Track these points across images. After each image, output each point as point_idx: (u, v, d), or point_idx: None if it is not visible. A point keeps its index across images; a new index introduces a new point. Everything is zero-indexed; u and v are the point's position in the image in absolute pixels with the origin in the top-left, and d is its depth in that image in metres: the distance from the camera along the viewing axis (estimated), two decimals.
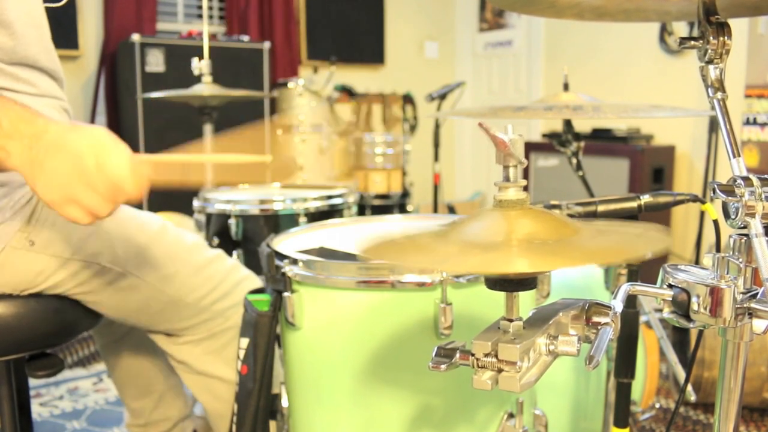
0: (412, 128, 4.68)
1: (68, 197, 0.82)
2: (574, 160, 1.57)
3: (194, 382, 1.25)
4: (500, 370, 0.57)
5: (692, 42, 0.68)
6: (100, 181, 0.82)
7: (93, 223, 0.85)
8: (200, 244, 1.24)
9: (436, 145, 3.07)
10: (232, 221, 1.75)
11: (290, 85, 3.63)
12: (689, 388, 1.70)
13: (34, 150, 0.81)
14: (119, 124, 3.49)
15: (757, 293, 0.62)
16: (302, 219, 1.77)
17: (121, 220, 1.13)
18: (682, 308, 0.63)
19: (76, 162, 0.81)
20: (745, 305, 0.61)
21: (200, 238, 1.28)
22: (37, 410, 2.01)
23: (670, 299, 0.64)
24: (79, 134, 0.84)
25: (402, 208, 4.00)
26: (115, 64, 3.49)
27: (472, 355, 0.59)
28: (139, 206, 1.17)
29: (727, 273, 0.61)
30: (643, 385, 1.42)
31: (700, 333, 0.84)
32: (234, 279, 1.23)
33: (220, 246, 1.78)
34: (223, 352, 1.23)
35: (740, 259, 0.62)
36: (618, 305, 0.61)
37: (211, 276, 1.20)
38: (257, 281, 1.26)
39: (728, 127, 0.65)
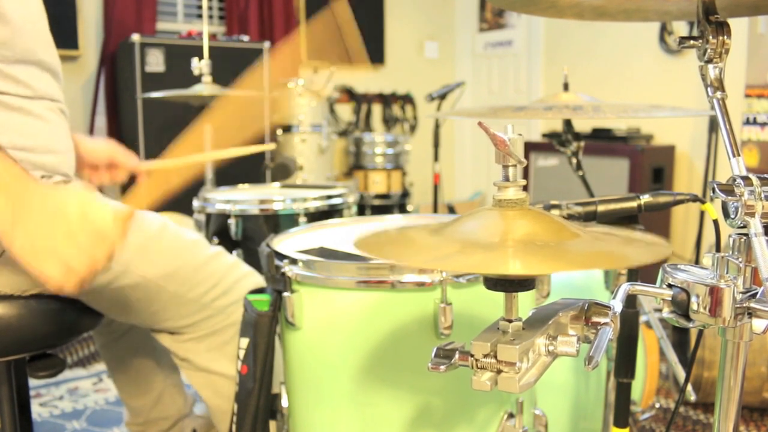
0: (412, 128, 4.69)
1: (46, 249, 0.80)
2: (574, 160, 1.57)
3: (197, 378, 1.26)
4: (499, 371, 0.57)
5: (692, 41, 0.68)
6: (83, 230, 0.81)
7: (64, 286, 0.83)
8: (200, 242, 1.24)
9: (436, 145, 3.07)
10: (231, 221, 1.75)
11: (290, 85, 3.63)
12: (689, 388, 1.70)
13: (17, 211, 0.81)
14: (119, 124, 3.50)
15: (757, 293, 0.62)
16: (302, 219, 1.77)
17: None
18: (682, 308, 0.63)
19: (59, 214, 0.81)
20: (744, 305, 0.61)
21: (200, 236, 1.28)
22: (37, 410, 2.01)
23: (670, 299, 0.64)
24: (64, 191, 0.84)
25: (402, 208, 4.00)
26: (115, 64, 3.49)
27: (472, 356, 0.59)
28: None
29: (727, 273, 0.61)
30: (643, 385, 1.42)
31: (700, 333, 0.84)
32: (235, 276, 1.23)
33: (220, 246, 1.79)
34: (225, 349, 1.23)
35: (740, 259, 0.62)
36: (618, 305, 0.61)
37: (212, 273, 1.20)
38: (258, 278, 1.27)
39: (728, 126, 0.65)
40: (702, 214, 3.22)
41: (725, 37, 0.67)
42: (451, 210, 3.94)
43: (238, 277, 1.24)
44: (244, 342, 1.07)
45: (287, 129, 3.66)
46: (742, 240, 0.62)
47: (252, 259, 1.77)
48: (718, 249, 0.71)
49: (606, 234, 0.64)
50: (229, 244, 1.78)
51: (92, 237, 0.82)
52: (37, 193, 0.82)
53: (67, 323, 1.11)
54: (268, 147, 1.02)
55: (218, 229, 1.81)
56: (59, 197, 0.82)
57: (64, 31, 3.40)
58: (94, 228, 0.82)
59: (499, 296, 0.61)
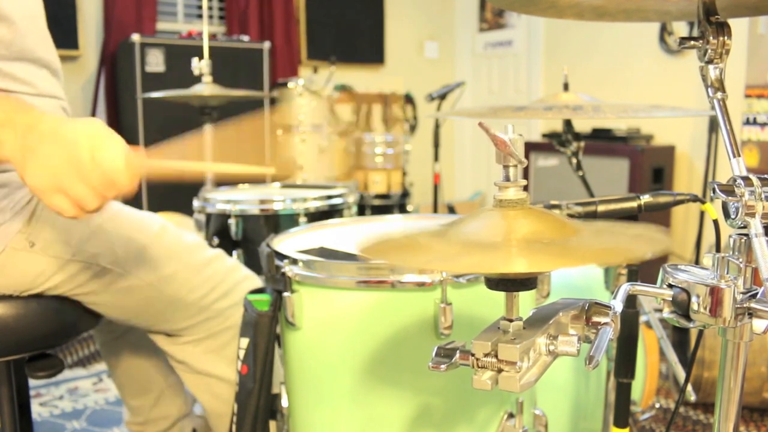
0: (412, 128, 4.69)
1: (57, 186, 0.80)
2: (574, 160, 1.57)
3: (194, 381, 1.25)
4: (500, 370, 0.57)
5: (692, 42, 0.68)
6: (94, 173, 0.80)
7: (77, 217, 0.83)
8: (200, 244, 1.24)
9: (436, 145, 3.07)
10: (232, 221, 1.75)
11: (290, 85, 3.63)
12: (689, 388, 1.70)
13: (28, 138, 0.80)
14: (119, 124, 3.50)
15: (757, 293, 0.62)
16: (302, 219, 1.77)
17: (120, 220, 1.13)
18: (682, 308, 0.63)
19: (71, 151, 0.80)
20: (744, 305, 0.61)
21: (200, 238, 1.28)
22: (37, 410, 2.01)
23: (670, 299, 0.64)
24: (76, 125, 0.83)
25: (402, 208, 4.00)
26: (115, 64, 3.49)
27: (472, 355, 0.59)
28: (138, 206, 1.17)
29: (727, 273, 0.61)
30: (643, 385, 1.42)
31: (700, 333, 0.84)
32: (234, 279, 1.23)
33: (220, 246, 1.78)
34: (222, 352, 1.23)
35: (740, 259, 0.62)
36: (618, 305, 0.61)
37: (211, 276, 1.20)
38: (257, 281, 1.26)
39: (728, 127, 0.65)
40: (702, 214, 3.21)
41: (726, 37, 0.67)
42: (451, 210, 3.94)
43: (238, 279, 1.24)
44: (244, 342, 1.07)
45: (287, 129, 3.66)
46: (743, 240, 0.62)
47: (252, 259, 1.77)
48: (718, 249, 0.71)
49: (607, 230, 0.64)
50: (229, 244, 1.77)
51: (103, 180, 0.81)
52: (47, 128, 0.81)
53: (67, 323, 1.11)
54: (268, 170, 1.02)
55: (218, 229, 1.81)
56: (70, 135, 0.81)
57: (64, 31, 3.40)
58: (106, 172, 0.81)
59: (500, 296, 0.61)
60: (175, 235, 1.20)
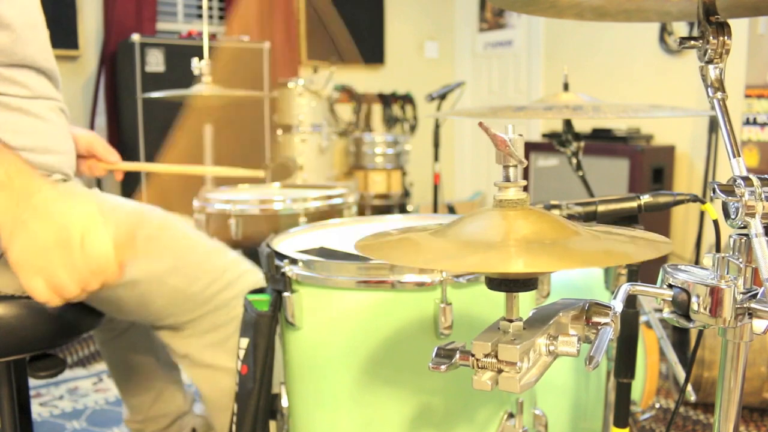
0: (412, 128, 4.69)
1: (40, 267, 0.79)
2: (574, 160, 1.57)
3: (198, 374, 1.25)
4: (500, 371, 0.57)
5: (692, 42, 0.68)
6: (80, 259, 0.80)
7: (49, 303, 0.81)
8: (201, 236, 1.24)
9: (436, 145, 3.07)
10: (232, 221, 1.76)
11: (290, 85, 3.63)
12: (689, 388, 1.70)
13: (20, 207, 0.79)
14: (119, 124, 3.50)
15: (757, 293, 0.62)
16: (302, 219, 1.77)
17: (122, 213, 1.13)
18: (682, 308, 0.63)
19: (61, 232, 0.79)
20: (745, 305, 0.61)
21: (201, 231, 1.28)
22: (37, 410, 2.01)
23: (670, 299, 0.64)
24: (70, 205, 0.82)
25: (402, 208, 4.00)
26: (115, 64, 3.49)
27: (472, 355, 0.59)
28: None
29: (727, 273, 0.61)
30: (643, 385, 1.42)
31: (700, 333, 0.84)
32: (236, 270, 1.23)
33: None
34: (226, 344, 1.23)
35: (740, 259, 0.62)
36: (618, 305, 0.61)
37: (214, 267, 1.20)
38: (259, 274, 1.26)
39: (728, 127, 0.65)
40: (702, 214, 3.22)
41: (726, 37, 0.67)
42: (451, 210, 3.95)
43: (240, 272, 1.24)
44: (244, 342, 1.07)
45: (287, 129, 3.66)
46: (743, 240, 0.62)
47: (252, 259, 1.77)
48: (718, 249, 0.72)
49: (607, 232, 0.64)
50: (229, 244, 1.77)
51: (89, 268, 0.81)
52: (43, 202, 0.80)
53: (67, 323, 1.11)
54: (258, 174, 1.02)
55: (218, 229, 1.81)
56: (63, 215, 0.80)
57: (64, 31, 3.40)
58: (93, 259, 0.81)
59: (500, 296, 0.61)
60: (176, 227, 1.20)
